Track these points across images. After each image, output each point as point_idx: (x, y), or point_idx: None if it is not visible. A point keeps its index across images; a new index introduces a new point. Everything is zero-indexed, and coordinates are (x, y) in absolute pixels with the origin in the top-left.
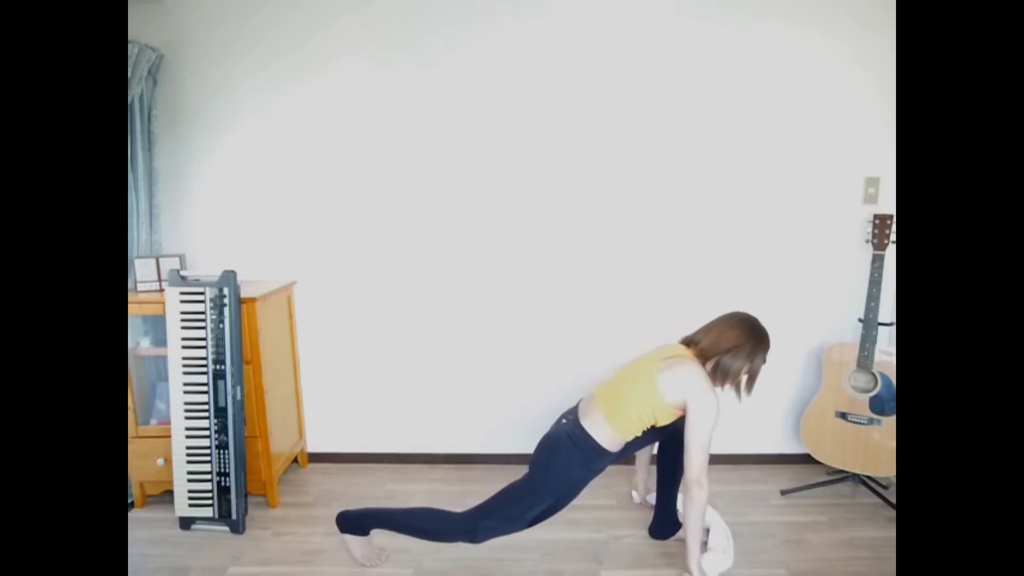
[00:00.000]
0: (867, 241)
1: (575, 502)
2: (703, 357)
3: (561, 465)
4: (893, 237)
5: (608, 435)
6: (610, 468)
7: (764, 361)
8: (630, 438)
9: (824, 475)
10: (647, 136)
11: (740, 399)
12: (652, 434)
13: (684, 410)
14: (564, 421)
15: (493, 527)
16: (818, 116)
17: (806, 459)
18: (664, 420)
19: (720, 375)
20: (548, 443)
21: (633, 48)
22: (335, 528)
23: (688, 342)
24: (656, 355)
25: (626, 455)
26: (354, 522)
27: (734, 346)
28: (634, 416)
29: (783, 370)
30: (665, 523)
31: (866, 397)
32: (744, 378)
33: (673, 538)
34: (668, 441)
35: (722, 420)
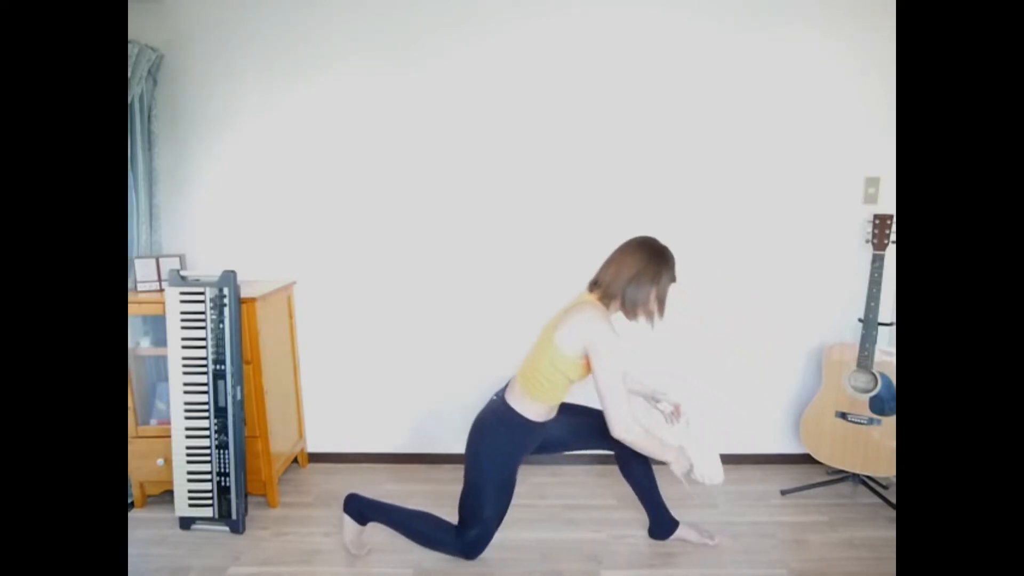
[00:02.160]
0: (867, 241)
1: (575, 502)
2: (608, 296)
3: (490, 446)
4: (893, 237)
5: (530, 406)
6: (609, 468)
7: (672, 280)
8: (554, 402)
9: (824, 475)
10: (646, 136)
11: (653, 326)
12: (591, 428)
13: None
14: (494, 398)
15: (477, 536)
16: (818, 116)
17: (806, 459)
18: (575, 374)
19: (629, 307)
20: (475, 428)
21: (632, 47)
22: (335, 528)
23: (592, 284)
24: (560, 310)
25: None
26: (359, 508)
27: (635, 273)
28: (543, 380)
29: (783, 370)
30: (661, 524)
31: (866, 397)
32: (655, 304)
33: (673, 537)
34: (624, 458)
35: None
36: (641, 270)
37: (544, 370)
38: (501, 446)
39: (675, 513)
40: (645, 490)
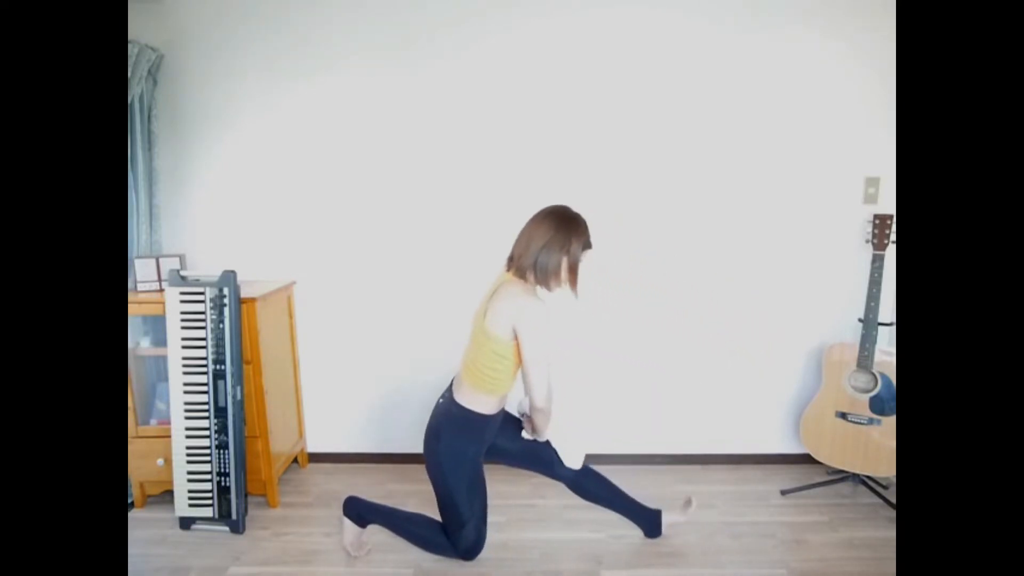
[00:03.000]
0: (867, 241)
1: (573, 501)
2: (521, 270)
3: (448, 447)
4: (893, 237)
5: (483, 400)
6: (609, 468)
7: (587, 246)
8: (506, 391)
9: (824, 475)
10: (647, 136)
11: (576, 295)
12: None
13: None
14: (441, 401)
15: (469, 539)
16: (818, 116)
17: (806, 459)
18: (518, 356)
19: (541, 276)
20: (429, 436)
21: (632, 48)
22: (335, 528)
23: (508, 261)
24: (484, 297)
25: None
26: (358, 511)
27: (545, 243)
28: (489, 371)
29: (783, 370)
30: (647, 521)
31: (866, 397)
32: (566, 273)
33: (665, 526)
34: (575, 484)
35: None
36: (551, 239)
37: (487, 360)
38: (460, 447)
39: (674, 514)
40: (611, 500)
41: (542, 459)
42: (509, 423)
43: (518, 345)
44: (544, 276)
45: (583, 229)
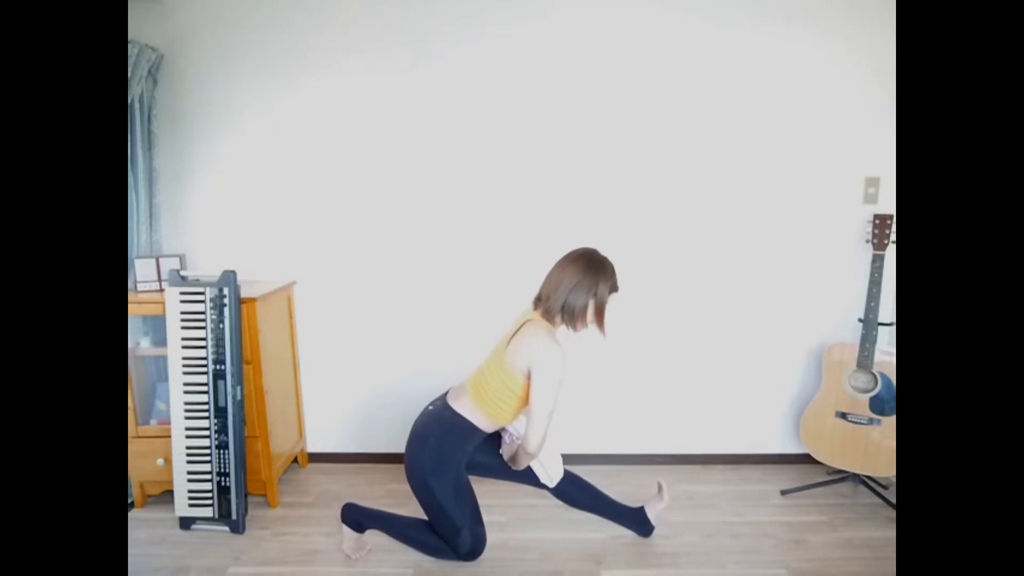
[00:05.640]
0: (867, 241)
1: None
2: (550, 312)
3: (435, 453)
4: (893, 237)
5: (481, 419)
6: (609, 468)
7: (613, 290)
8: (502, 422)
9: (824, 475)
10: (647, 136)
11: (604, 336)
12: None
13: None
14: (431, 407)
15: (467, 542)
16: (818, 116)
17: (806, 459)
18: (527, 393)
19: (568, 317)
20: (415, 442)
21: (631, 47)
22: (335, 528)
23: (536, 300)
24: (510, 329)
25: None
26: (356, 516)
27: (575, 284)
28: (498, 399)
29: (783, 370)
30: (635, 521)
31: (866, 397)
32: (594, 315)
33: (652, 521)
34: (562, 494)
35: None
36: (579, 282)
37: (497, 389)
38: (445, 450)
39: (674, 514)
40: (595, 505)
41: (522, 472)
42: (489, 438)
43: (528, 386)
44: (571, 318)
45: (611, 272)
